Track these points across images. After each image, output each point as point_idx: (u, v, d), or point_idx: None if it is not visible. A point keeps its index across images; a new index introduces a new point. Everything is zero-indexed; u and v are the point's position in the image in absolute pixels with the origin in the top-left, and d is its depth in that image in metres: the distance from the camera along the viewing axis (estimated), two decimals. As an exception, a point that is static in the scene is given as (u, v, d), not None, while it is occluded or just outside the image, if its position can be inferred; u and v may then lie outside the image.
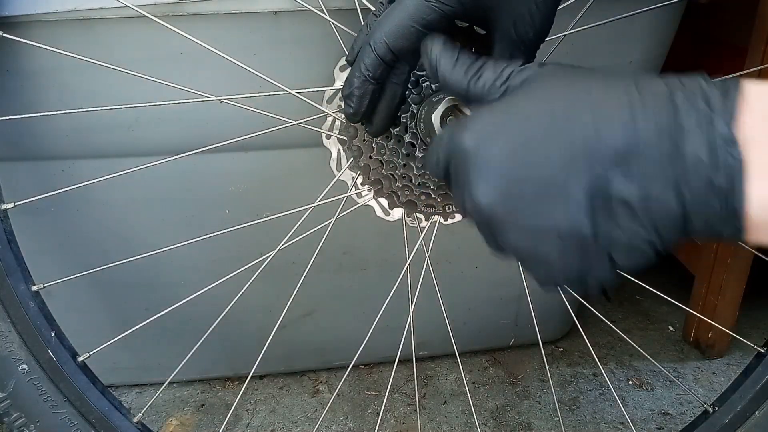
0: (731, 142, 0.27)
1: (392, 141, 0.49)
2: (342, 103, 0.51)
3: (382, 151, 0.49)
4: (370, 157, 0.50)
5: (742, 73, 0.76)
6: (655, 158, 0.28)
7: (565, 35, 0.54)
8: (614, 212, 0.30)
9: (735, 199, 0.27)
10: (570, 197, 0.30)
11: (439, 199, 0.51)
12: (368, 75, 0.40)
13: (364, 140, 0.49)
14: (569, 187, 0.30)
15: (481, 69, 0.36)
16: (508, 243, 0.33)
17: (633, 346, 0.67)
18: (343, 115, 0.50)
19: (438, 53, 0.37)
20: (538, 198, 0.31)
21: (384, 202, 0.52)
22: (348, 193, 0.54)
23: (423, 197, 0.51)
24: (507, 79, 0.34)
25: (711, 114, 0.28)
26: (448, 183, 0.36)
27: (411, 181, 0.50)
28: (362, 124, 0.45)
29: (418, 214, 0.53)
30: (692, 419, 0.60)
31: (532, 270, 0.34)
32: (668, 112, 0.28)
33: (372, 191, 0.52)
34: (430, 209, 0.51)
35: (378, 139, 0.49)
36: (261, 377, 0.89)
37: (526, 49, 0.42)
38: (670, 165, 0.28)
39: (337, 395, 0.85)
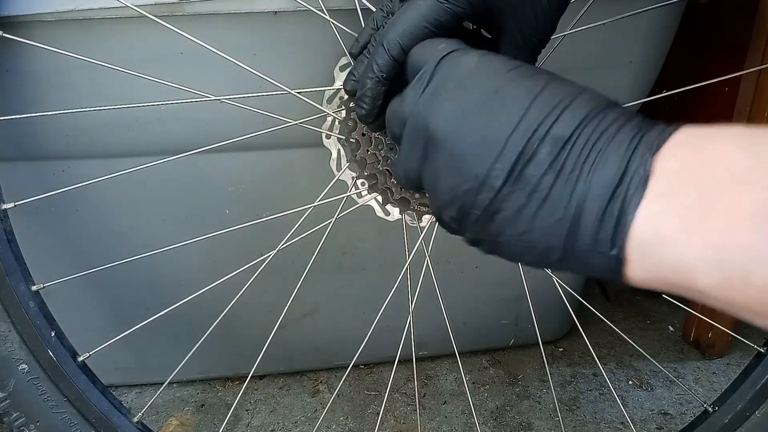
0: (644, 164, 0.27)
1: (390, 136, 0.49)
2: (341, 101, 0.51)
3: (380, 147, 0.49)
4: (368, 151, 0.50)
5: (742, 73, 0.77)
6: (579, 160, 0.29)
7: (565, 35, 0.54)
8: (521, 181, 0.30)
9: (625, 217, 0.27)
10: (505, 153, 0.30)
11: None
12: (382, 76, 0.40)
13: (363, 134, 0.49)
14: (509, 142, 0.30)
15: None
16: (432, 163, 0.34)
17: (633, 346, 0.67)
18: (342, 115, 0.51)
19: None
20: (483, 138, 0.31)
21: (379, 198, 0.52)
22: (348, 193, 0.54)
23: (417, 195, 0.51)
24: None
25: (641, 138, 0.28)
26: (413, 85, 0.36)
27: None
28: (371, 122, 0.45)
29: (410, 212, 0.53)
30: (692, 419, 0.60)
31: (432, 199, 0.35)
32: (616, 127, 0.29)
33: (367, 185, 0.52)
34: (423, 208, 0.51)
35: (376, 134, 0.49)
36: (261, 377, 0.89)
37: (530, 53, 0.42)
38: (586, 170, 0.29)
39: (337, 395, 0.85)
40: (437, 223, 0.36)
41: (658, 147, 0.27)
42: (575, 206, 0.29)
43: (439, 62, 0.35)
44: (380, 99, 0.41)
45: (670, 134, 0.28)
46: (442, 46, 0.36)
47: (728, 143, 0.26)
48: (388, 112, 0.38)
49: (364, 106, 0.41)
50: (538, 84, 0.32)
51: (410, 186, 0.37)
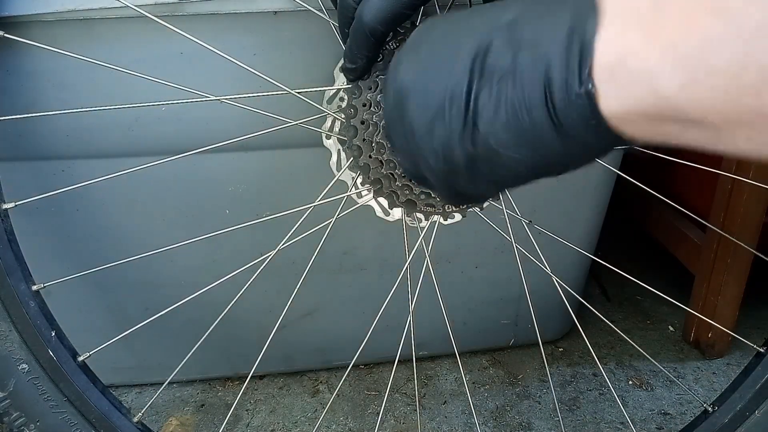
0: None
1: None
2: (341, 102, 0.52)
3: (382, 151, 0.49)
4: (370, 156, 0.50)
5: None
6: (534, 26, 0.29)
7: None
8: (487, 73, 0.30)
9: (586, 48, 0.26)
10: (459, 60, 0.31)
11: (438, 198, 0.51)
12: (368, 55, 0.45)
13: (364, 140, 0.49)
14: (462, 46, 0.31)
15: None
16: (404, 110, 0.34)
17: (633, 346, 0.67)
18: (343, 115, 0.51)
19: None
20: (438, 57, 0.32)
21: (384, 202, 0.52)
22: (348, 193, 0.54)
23: (423, 196, 0.51)
24: None
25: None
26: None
27: (411, 180, 0.50)
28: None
29: (417, 214, 0.53)
30: (692, 419, 0.60)
31: (412, 143, 0.34)
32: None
33: (372, 191, 0.52)
34: (429, 209, 0.52)
35: (377, 138, 0.49)
36: (261, 377, 0.89)
37: None
38: (544, 31, 0.28)
39: (337, 395, 0.85)
40: (419, 181, 0.37)
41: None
42: (543, 65, 0.28)
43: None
44: (366, 69, 0.47)
45: None
46: None
47: None
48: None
49: (352, 77, 0.47)
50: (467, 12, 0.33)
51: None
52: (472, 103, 0.30)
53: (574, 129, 0.28)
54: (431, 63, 0.32)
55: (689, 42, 0.23)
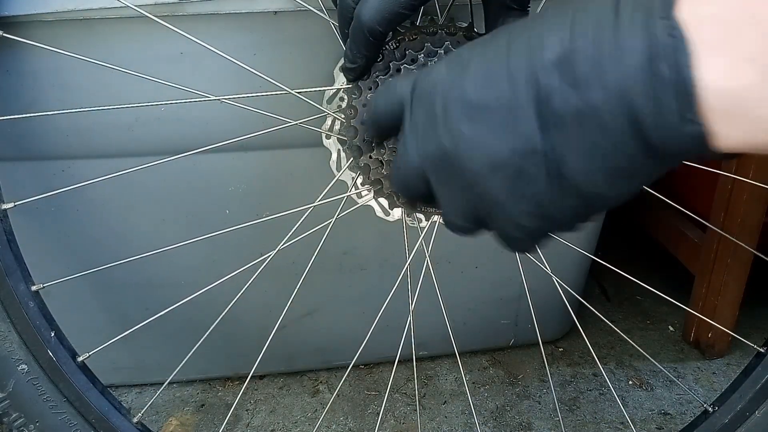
0: (669, 21, 0.23)
1: (392, 140, 0.49)
2: (342, 102, 0.52)
3: (382, 151, 0.49)
4: (370, 157, 0.50)
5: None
6: (593, 59, 0.25)
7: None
8: (565, 125, 0.27)
9: (686, 84, 0.23)
10: (520, 113, 0.28)
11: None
12: (368, 55, 0.45)
13: (364, 140, 0.49)
14: (520, 103, 0.28)
15: None
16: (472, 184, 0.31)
17: (633, 346, 0.67)
18: (342, 115, 0.51)
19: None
20: (499, 124, 0.29)
21: (384, 202, 0.52)
22: (348, 193, 0.54)
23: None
24: None
25: (647, 6, 0.24)
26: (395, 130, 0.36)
27: None
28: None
29: (418, 214, 0.53)
30: (692, 419, 0.60)
31: (501, 224, 0.32)
32: (609, 10, 0.25)
33: (372, 191, 0.52)
34: (430, 209, 0.52)
35: (377, 139, 0.49)
36: (261, 377, 0.89)
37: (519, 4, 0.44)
38: (609, 64, 0.25)
39: (337, 395, 0.85)
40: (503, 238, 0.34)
41: (673, 2, 0.24)
42: (625, 102, 0.25)
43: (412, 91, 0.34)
44: (366, 67, 0.46)
45: None
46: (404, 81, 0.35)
47: None
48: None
49: (351, 76, 0.47)
50: (502, 40, 0.30)
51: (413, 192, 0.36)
52: (552, 157, 0.28)
53: (673, 154, 0.26)
54: (487, 121, 0.29)
55: None
